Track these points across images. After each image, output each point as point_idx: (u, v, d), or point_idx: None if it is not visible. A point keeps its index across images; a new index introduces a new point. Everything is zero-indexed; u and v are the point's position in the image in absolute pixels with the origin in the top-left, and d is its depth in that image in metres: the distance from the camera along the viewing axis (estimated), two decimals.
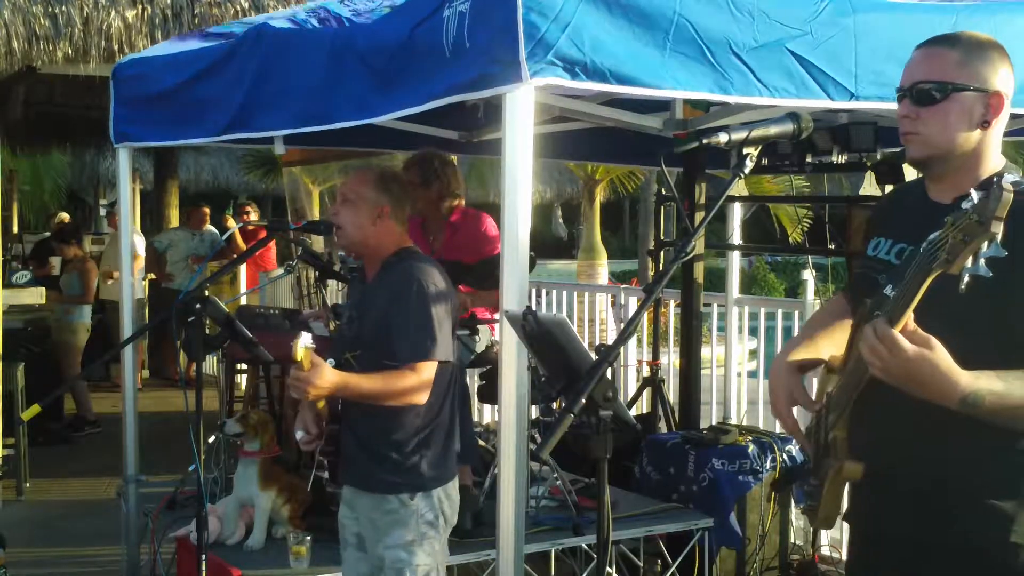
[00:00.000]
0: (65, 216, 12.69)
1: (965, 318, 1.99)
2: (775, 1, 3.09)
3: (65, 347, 8.97)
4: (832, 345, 2.38)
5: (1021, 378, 1.94)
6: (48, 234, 12.47)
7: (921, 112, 2.14)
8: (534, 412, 4.86)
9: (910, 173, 3.65)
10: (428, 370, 3.14)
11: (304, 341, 2.95)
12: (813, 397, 2.33)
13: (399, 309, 3.15)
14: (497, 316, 4.13)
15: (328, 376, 3.01)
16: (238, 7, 7.12)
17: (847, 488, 2.24)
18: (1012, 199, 1.69)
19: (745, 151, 2.14)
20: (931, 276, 1.78)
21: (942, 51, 2.16)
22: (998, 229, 1.68)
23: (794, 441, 2.29)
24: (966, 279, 1.73)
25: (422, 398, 3.15)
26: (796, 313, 5.79)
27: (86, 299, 9.14)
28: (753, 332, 9.43)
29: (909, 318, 1.83)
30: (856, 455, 2.16)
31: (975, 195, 1.72)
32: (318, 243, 7.52)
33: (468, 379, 6.64)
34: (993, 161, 2.19)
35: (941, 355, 1.86)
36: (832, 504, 2.22)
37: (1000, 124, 2.19)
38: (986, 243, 1.69)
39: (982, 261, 1.70)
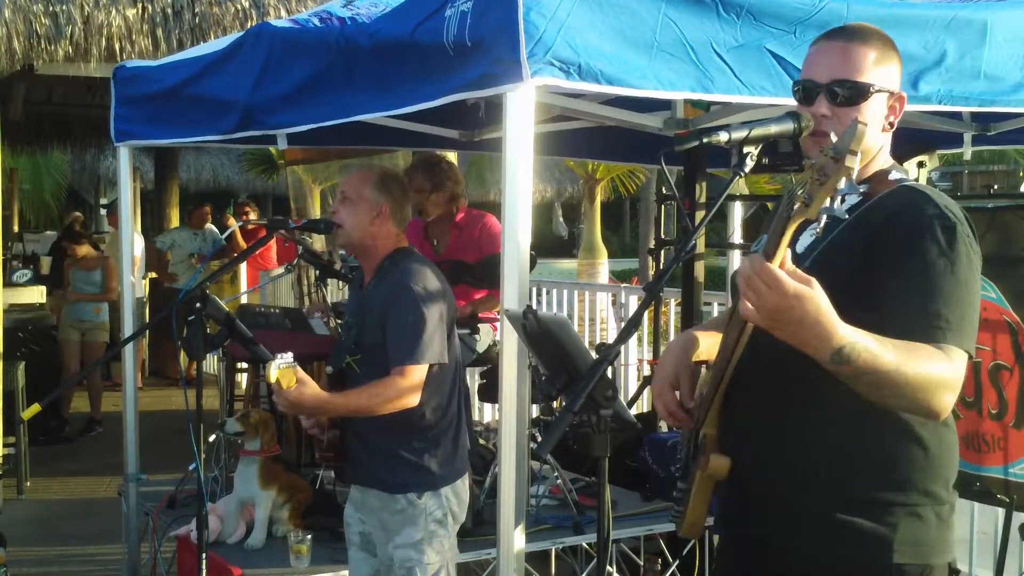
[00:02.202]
0: (78, 215, 12.69)
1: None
2: (767, 3, 3.11)
3: (98, 348, 8.98)
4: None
5: (898, 345, 1.81)
6: (54, 233, 12.50)
7: (838, 112, 2.05)
8: (534, 411, 4.86)
9: (911, 171, 3.66)
10: (417, 374, 3.13)
11: (279, 362, 2.96)
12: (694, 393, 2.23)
13: (393, 313, 3.16)
14: (498, 315, 4.13)
15: (308, 395, 3.01)
16: (238, 7, 7.12)
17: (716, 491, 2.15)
18: (863, 132, 1.64)
19: (745, 150, 2.14)
20: (794, 223, 1.72)
21: (860, 48, 2.06)
22: (853, 163, 1.62)
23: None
24: (823, 220, 1.68)
25: (412, 401, 3.14)
26: None
27: (110, 296, 9.13)
28: None
29: (783, 259, 1.74)
30: (728, 454, 2.09)
31: (834, 137, 1.69)
32: (319, 242, 7.53)
33: (468, 379, 6.66)
34: (880, 160, 2.14)
35: (821, 296, 1.73)
36: (700, 508, 2.14)
37: (895, 126, 2.15)
38: (843, 179, 1.63)
39: (839, 200, 1.66)
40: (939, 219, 1.94)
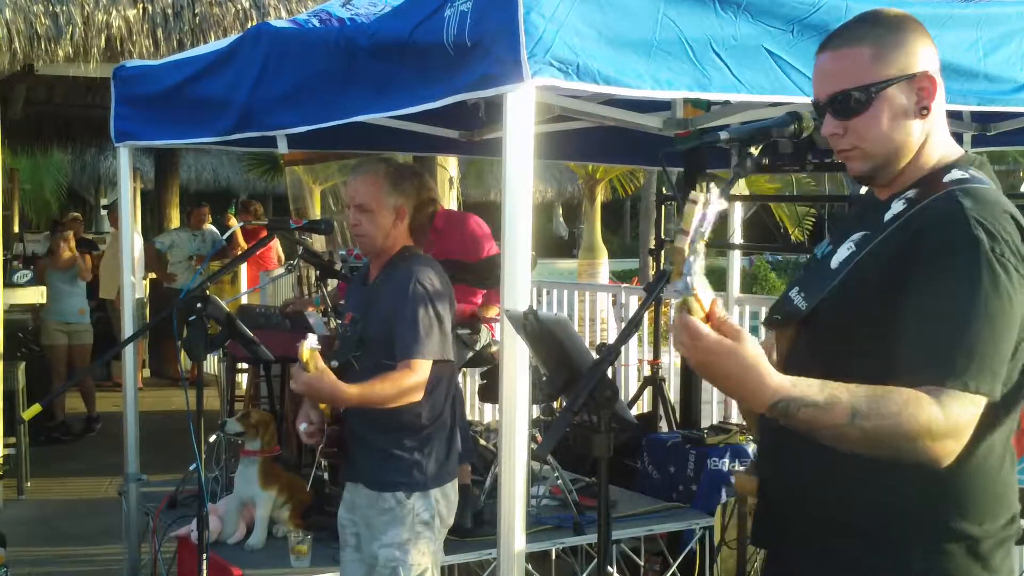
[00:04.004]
0: (76, 215, 12.66)
1: (857, 331, 1.83)
2: (765, 2, 3.11)
3: (85, 350, 8.88)
4: None
5: (859, 395, 1.65)
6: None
7: (849, 125, 1.90)
8: (535, 411, 4.86)
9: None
10: (423, 368, 3.15)
11: (310, 343, 2.99)
12: None
13: (401, 308, 3.18)
14: (498, 316, 4.13)
15: (326, 382, 3.04)
16: (238, 7, 7.12)
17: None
18: (694, 210, 1.53)
19: (746, 150, 2.14)
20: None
21: (850, 51, 1.89)
22: (682, 244, 1.54)
23: None
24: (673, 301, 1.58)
25: (418, 396, 3.17)
26: None
27: (86, 276, 9.00)
28: (754, 331, 9.43)
29: (711, 309, 1.63)
30: (759, 468, 2.07)
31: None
32: (319, 242, 7.52)
33: (468, 378, 6.66)
34: (938, 149, 1.93)
35: (749, 349, 1.62)
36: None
37: (939, 105, 1.93)
38: (680, 263, 1.57)
39: (682, 281, 1.58)
40: (967, 237, 1.74)
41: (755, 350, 1.63)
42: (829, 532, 1.92)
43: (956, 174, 1.89)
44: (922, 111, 1.90)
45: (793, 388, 1.64)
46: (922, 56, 1.91)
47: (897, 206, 1.90)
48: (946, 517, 1.84)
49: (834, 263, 1.93)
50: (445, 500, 3.29)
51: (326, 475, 3.31)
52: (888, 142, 1.90)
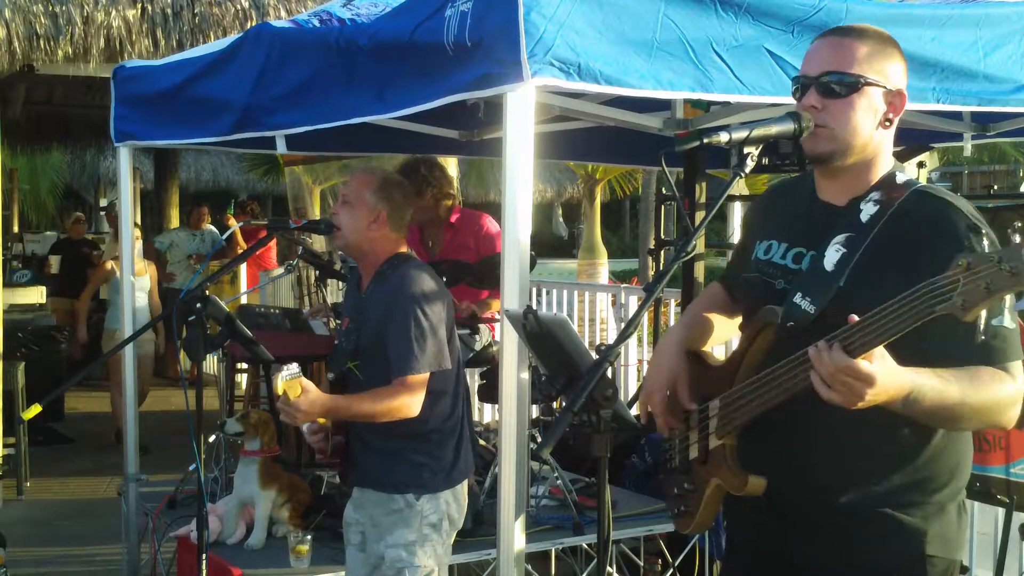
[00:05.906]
0: (80, 215, 12.65)
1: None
2: (765, 3, 3.11)
3: (148, 359, 8.49)
4: (712, 339, 2.38)
5: (960, 376, 1.89)
6: (54, 234, 12.37)
7: (828, 104, 2.08)
8: (534, 411, 4.86)
9: (910, 171, 3.66)
10: (418, 383, 3.13)
11: (285, 374, 2.96)
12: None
13: (392, 320, 3.16)
14: (498, 316, 4.13)
15: (316, 401, 3.02)
16: (238, 7, 7.12)
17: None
18: None
19: (746, 150, 2.14)
20: (932, 316, 1.68)
21: (851, 42, 2.10)
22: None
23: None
24: (981, 327, 1.68)
25: (414, 410, 3.14)
26: None
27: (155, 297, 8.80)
28: None
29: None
30: (749, 468, 2.10)
31: (1014, 241, 1.59)
32: (319, 242, 7.52)
33: (468, 378, 6.66)
34: (885, 161, 2.15)
35: (891, 360, 1.81)
36: (710, 512, 2.18)
37: (895, 124, 2.16)
38: (1013, 295, 1.66)
39: (1008, 314, 1.71)
40: (972, 231, 1.99)
41: (891, 358, 1.80)
42: (846, 509, 2.06)
43: (901, 177, 2.12)
44: (886, 122, 2.12)
45: (919, 376, 1.85)
46: (901, 75, 2.14)
47: (869, 208, 2.07)
48: (948, 480, 2.08)
49: (828, 266, 2.06)
50: (456, 502, 3.29)
51: (336, 478, 3.29)
52: (853, 133, 2.08)
